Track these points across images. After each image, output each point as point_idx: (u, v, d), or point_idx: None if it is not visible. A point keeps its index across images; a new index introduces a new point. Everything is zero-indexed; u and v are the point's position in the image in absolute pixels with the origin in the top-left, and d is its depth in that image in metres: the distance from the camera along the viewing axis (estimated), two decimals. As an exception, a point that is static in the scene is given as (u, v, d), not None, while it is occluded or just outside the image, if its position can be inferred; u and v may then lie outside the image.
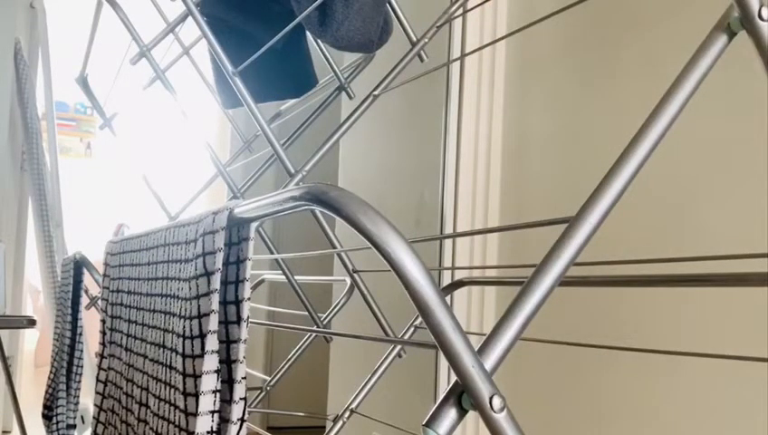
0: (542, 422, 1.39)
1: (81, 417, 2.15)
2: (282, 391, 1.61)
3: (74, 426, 1.13)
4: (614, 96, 1.32)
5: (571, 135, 1.42)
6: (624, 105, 1.29)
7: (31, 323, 1.92)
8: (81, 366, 1.17)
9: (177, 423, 0.53)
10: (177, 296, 0.58)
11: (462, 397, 0.44)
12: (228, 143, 3.42)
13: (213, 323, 0.50)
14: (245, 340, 0.50)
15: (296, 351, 1.36)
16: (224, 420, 0.51)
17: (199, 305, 0.52)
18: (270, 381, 1.44)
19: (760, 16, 0.48)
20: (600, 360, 1.27)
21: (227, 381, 0.50)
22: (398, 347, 1.13)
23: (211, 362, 0.50)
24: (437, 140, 1.70)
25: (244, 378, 0.50)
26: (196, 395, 0.50)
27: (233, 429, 0.50)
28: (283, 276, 1.23)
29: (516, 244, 1.54)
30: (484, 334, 0.47)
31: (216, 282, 0.50)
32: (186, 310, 0.54)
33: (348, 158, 2.17)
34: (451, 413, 0.44)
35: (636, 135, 0.52)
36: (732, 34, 0.49)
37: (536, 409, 1.42)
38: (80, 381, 1.17)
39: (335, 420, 1.16)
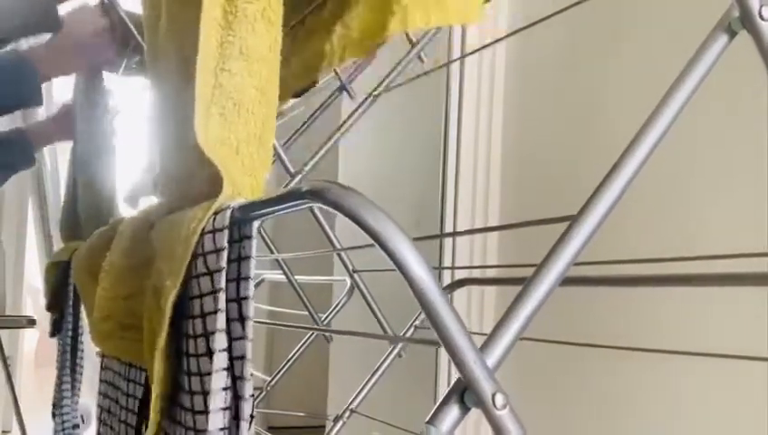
0: (544, 420, 1.40)
1: (81, 416, 2.14)
2: (282, 390, 1.62)
3: (78, 426, 1.13)
4: (615, 95, 1.32)
5: (572, 134, 1.43)
6: (624, 105, 1.29)
7: (31, 323, 1.92)
8: (83, 366, 1.17)
9: (183, 422, 0.53)
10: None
11: (464, 394, 0.44)
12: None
13: (220, 321, 0.50)
14: (251, 338, 0.50)
15: (296, 351, 1.36)
16: (233, 418, 0.51)
17: (202, 304, 0.52)
18: (270, 381, 1.44)
19: (760, 16, 0.48)
20: (602, 359, 1.27)
21: (235, 378, 0.51)
22: (398, 347, 1.14)
23: (220, 361, 0.50)
24: (437, 140, 1.70)
25: (252, 375, 0.50)
26: (204, 393, 0.51)
27: (244, 426, 0.50)
28: (283, 276, 1.23)
29: (517, 244, 1.54)
30: (485, 334, 0.47)
31: (221, 280, 0.50)
32: (188, 309, 0.54)
33: (348, 157, 2.17)
34: (453, 410, 0.44)
35: (636, 135, 0.52)
36: (732, 34, 0.50)
37: (539, 406, 1.42)
38: (81, 381, 1.17)
39: (335, 420, 1.16)
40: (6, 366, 2.00)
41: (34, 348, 4.61)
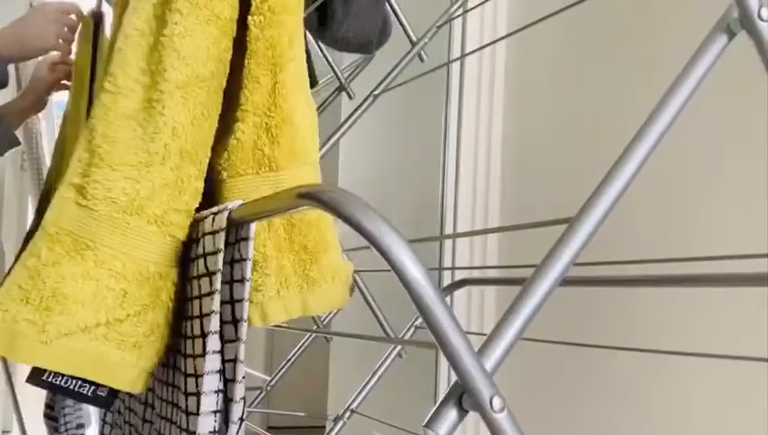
0: (544, 420, 1.39)
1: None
2: (282, 390, 1.61)
3: (83, 425, 1.12)
4: (615, 95, 1.32)
5: (572, 134, 1.42)
6: (625, 104, 1.28)
7: (31, 323, 1.92)
8: None
9: (179, 424, 0.53)
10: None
11: (462, 397, 0.44)
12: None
13: (214, 323, 0.50)
14: (244, 340, 0.50)
15: (296, 351, 1.36)
16: (224, 420, 0.51)
17: (201, 305, 0.52)
18: (270, 381, 1.44)
19: (759, 16, 0.48)
20: (601, 360, 1.27)
21: (227, 380, 0.50)
22: (399, 347, 1.13)
23: (213, 363, 0.50)
24: (437, 140, 1.70)
25: (244, 377, 0.50)
26: (198, 395, 0.50)
27: (233, 429, 0.50)
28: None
29: (516, 244, 1.54)
30: (485, 334, 0.47)
31: (217, 282, 0.50)
32: (187, 310, 0.54)
33: (348, 158, 2.17)
34: (451, 414, 0.44)
35: (635, 136, 0.52)
36: (732, 34, 0.49)
37: (538, 408, 1.42)
38: None
39: (335, 421, 1.16)
40: (6, 366, 1.99)
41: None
